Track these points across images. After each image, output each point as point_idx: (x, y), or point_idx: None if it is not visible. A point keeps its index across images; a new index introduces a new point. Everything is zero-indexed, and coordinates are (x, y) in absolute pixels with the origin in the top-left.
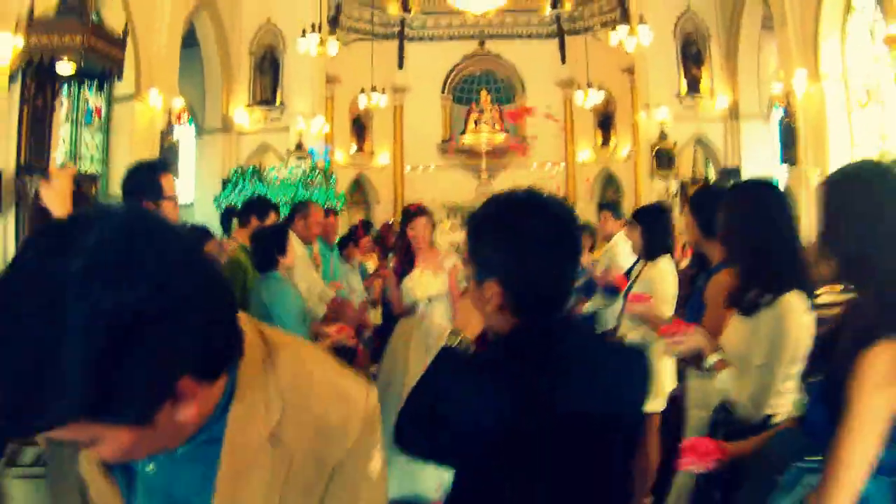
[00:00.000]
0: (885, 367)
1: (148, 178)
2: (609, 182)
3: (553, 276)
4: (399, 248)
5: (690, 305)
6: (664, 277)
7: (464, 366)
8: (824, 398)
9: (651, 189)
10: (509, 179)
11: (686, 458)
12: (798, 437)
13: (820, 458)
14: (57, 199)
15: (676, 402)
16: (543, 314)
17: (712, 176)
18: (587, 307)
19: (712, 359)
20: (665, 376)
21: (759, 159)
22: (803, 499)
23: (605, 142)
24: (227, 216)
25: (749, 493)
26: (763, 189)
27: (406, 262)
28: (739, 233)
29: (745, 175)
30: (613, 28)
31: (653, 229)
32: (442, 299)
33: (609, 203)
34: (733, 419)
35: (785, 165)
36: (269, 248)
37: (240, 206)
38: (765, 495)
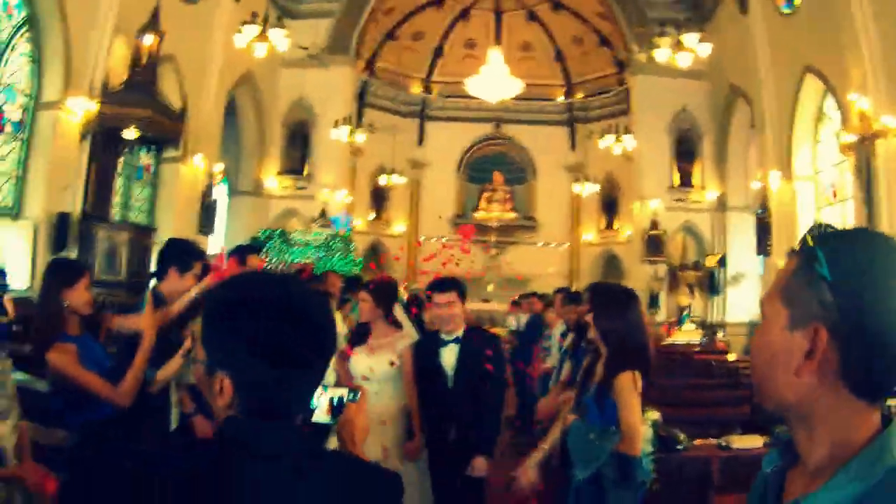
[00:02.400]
0: (628, 383)
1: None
2: (611, 262)
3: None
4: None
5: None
6: None
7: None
8: (597, 403)
9: (642, 272)
10: (516, 255)
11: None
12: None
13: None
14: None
15: None
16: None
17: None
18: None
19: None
20: None
21: (743, 248)
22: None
23: (609, 224)
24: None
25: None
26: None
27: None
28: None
29: (731, 262)
30: (616, 124)
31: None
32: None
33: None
34: None
35: (760, 256)
36: None
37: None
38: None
